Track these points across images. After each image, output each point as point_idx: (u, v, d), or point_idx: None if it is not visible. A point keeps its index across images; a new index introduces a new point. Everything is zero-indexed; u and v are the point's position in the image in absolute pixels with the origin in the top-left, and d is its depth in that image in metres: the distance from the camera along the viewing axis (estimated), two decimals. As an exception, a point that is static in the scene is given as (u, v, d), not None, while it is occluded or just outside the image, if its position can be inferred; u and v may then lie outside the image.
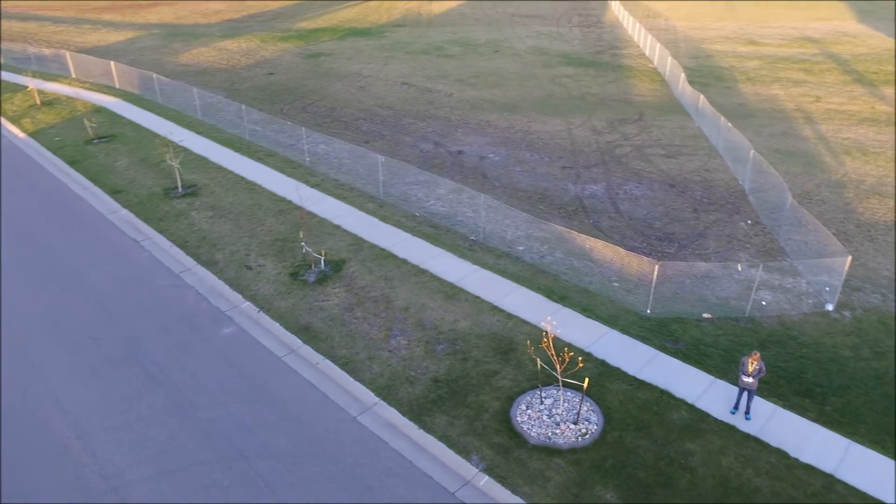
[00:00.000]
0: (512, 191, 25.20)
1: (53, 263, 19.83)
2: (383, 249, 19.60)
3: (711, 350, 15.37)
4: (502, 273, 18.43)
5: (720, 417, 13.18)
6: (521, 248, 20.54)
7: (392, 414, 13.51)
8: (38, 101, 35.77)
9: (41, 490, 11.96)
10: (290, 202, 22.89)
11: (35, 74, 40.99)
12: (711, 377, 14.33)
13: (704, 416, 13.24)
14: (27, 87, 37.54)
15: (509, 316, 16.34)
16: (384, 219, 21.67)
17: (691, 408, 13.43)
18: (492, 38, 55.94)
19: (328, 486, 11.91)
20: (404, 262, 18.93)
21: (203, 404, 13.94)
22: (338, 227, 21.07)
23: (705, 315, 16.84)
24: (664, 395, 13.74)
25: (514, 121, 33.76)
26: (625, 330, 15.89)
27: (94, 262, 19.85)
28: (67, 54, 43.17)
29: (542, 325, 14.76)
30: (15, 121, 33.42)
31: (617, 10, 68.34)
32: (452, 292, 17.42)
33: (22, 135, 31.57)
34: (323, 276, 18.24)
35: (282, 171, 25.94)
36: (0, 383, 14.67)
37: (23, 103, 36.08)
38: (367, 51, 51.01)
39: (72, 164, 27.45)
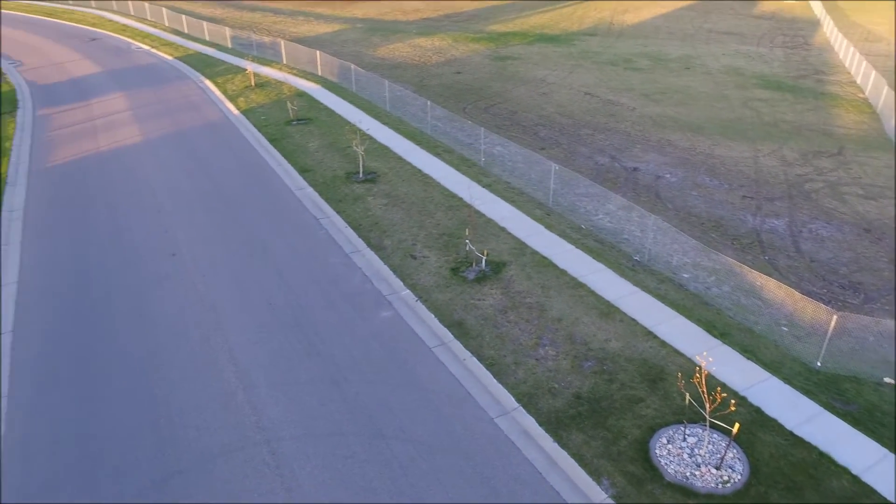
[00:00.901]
0: (685, 215, 24.03)
1: (245, 229, 21.63)
2: (544, 257, 19.44)
3: (889, 420, 13.70)
4: (662, 298, 17.62)
5: (890, 499, 11.69)
6: (686, 275, 19.54)
7: (529, 422, 13.38)
8: (253, 83, 39.22)
9: (205, 427, 13.12)
10: (460, 199, 23.33)
11: (254, 59, 44.97)
12: (885, 450, 12.73)
13: (870, 491, 11.81)
14: (246, 70, 41.29)
15: (663, 344, 15.59)
16: (549, 227, 21.48)
17: (855, 479, 12.04)
18: (684, 54, 53.59)
19: (457, 480, 12.03)
20: (564, 272, 18.65)
21: (353, 379, 14.60)
22: (503, 230, 21.18)
23: (887, 380, 15.04)
24: (824, 458, 12.44)
25: (697, 142, 32.13)
26: (788, 379, 14.59)
27: (278, 232, 21.43)
28: (282, 42, 46.91)
29: (697, 359, 13.94)
30: (232, 99, 36.89)
31: (829, 32, 62.82)
32: (608, 310, 16.92)
33: (236, 111, 34.77)
34: (482, 276, 18.43)
35: (457, 167, 26.50)
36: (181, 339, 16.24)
37: (240, 84, 39.74)
38: (554, 58, 50.77)
39: (272, 141, 29.80)
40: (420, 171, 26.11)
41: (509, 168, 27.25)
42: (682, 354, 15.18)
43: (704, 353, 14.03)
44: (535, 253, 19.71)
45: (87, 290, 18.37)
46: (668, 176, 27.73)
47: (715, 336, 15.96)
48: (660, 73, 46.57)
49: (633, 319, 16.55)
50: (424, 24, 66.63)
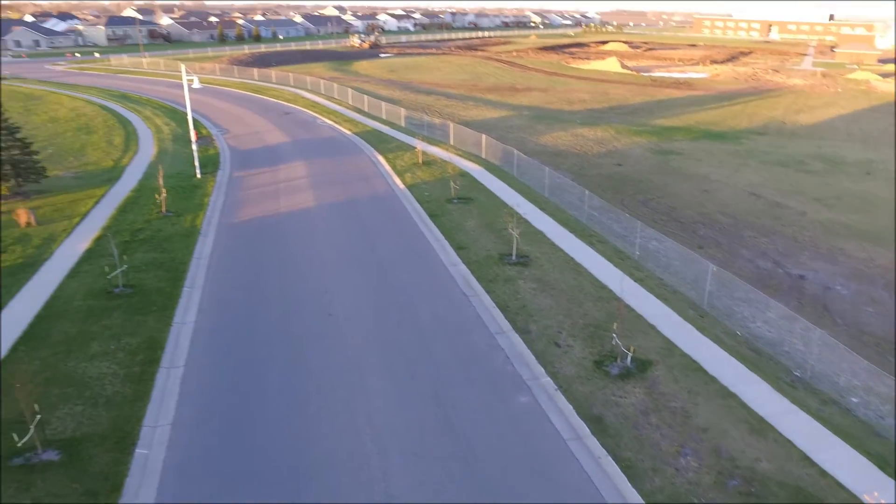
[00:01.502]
0: (856, 332, 21.94)
1: (398, 297, 22.42)
2: (694, 361, 18.42)
3: None
4: (825, 422, 15.98)
5: None
6: (854, 399, 17.68)
7: (665, 537, 12.45)
8: (420, 161, 41.36)
9: (336, 487, 13.40)
10: (610, 291, 22.85)
11: (423, 138, 47.53)
12: None
13: None
14: (415, 148, 43.69)
15: (823, 473, 14.04)
16: (702, 330, 20.40)
17: None
18: (864, 158, 50.02)
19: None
20: (713, 379, 17.53)
21: (485, 461, 14.39)
22: (652, 327, 20.40)
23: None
24: None
25: (876, 253, 29.52)
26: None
27: (429, 304, 22.00)
28: (451, 125, 49.30)
29: (865, 498, 12.41)
30: (400, 173, 39.05)
31: None
32: (760, 427, 15.59)
33: (402, 186, 36.70)
34: (626, 372, 17.75)
35: (609, 259, 26.09)
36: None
37: (409, 161, 42.05)
38: (720, 155, 49.27)
39: (432, 216, 31.01)
40: (572, 258, 25.97)
41: (664, 264, 26.41)
42: (845, 489, 13.57)
43: (876, 494, 12.47)
44: (684, 355, 18.74)
45: (251, 335, 19.78)
46: (839, 288, 25.59)
47: (888, 474, 14.15)
48: (835, 177, 43.69)
49: (789, 441, 15.11)
50: (589, 114, 67.44)
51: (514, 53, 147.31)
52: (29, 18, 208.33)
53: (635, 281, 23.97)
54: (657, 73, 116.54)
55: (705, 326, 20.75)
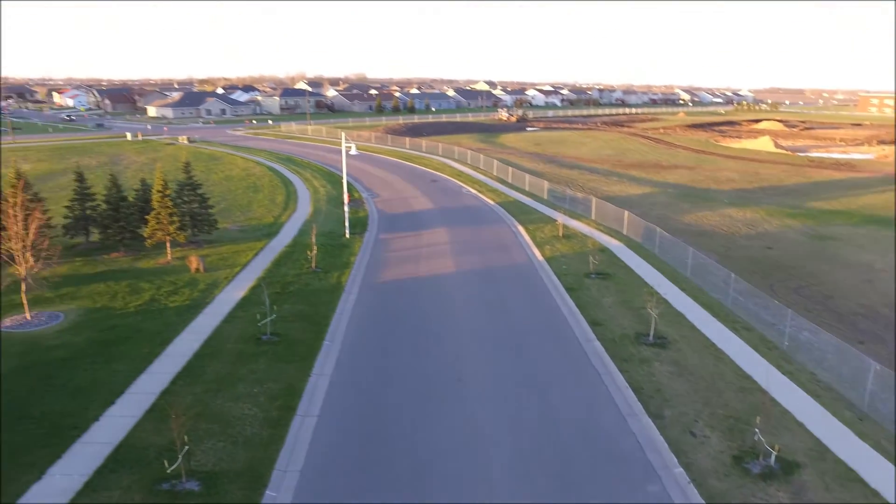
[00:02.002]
0: None
1: (528, 369, 22.18)
2: (850, 469, 16.60)
3: None
4: None
5: None
6: None
7: None
8: (561, 234, 41.29)
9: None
10: (754, 382, 21.29)
11: (564, 212, 47.55)
12: None
13: None
14: (556, 221, 43.75)
15: None
16: (861, 435, 18.39)
17: None
18: None
19: None
20: (876, 493, 15.67)
21: (611, 553, 13.63)
22: (800, 426, 18.69)
23: None
24: None
25: None
26: None
27: (558, 379, 21.56)
28: (593, 199, 49.01)
29: None
30: (539, 245, 39.14)
31: None
32: (930, 554, 13.67)
33: (540, 257, 36.71)
34: (769, 472, 16.30)
35: (755, 347, 24.41)
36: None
37: (549, 233, 42.12)
38: (885, 242, 45.16)
39: (569, 290, 30.64)
40: (713, 343, 24.57)
41: (817, 358, 24.28)
42: None
43: None
44: (838, 461, 16.95)
45: (383, 392, 20.32)
46: None
47: None
48: None
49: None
50: (737, 194, 64.52)
51: (661, 130, 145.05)
52: (220, 91, 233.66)
53: (783, 373, 22.21)
54: (815, 154, 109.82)
55: (865, 432, 18.69)
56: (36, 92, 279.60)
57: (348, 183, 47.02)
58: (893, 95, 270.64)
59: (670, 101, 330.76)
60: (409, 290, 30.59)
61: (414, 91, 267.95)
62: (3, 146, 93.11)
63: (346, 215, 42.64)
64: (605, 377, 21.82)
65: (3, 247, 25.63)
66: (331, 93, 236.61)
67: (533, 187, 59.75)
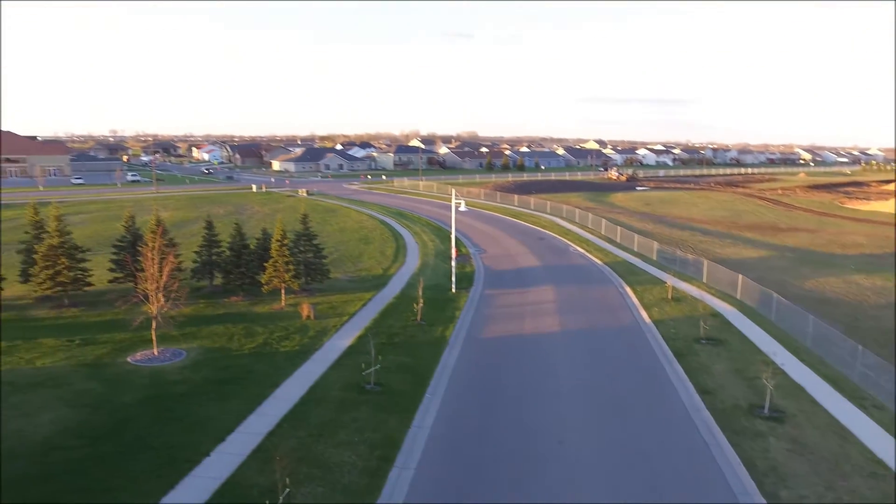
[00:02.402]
0: None
1: (630, 435, 21.20)
2: None
3: None
4: None
5: None
6: None
7: None
8: (670, 296, 39.81)
9: None
10: (887, 467, 19.29)
11: (674, 273, 45.91)
12: None
13: None
14: (665, 283, 42.29)
15: None
16: None
17: None
18: None
19: None
20: None
21: None
22: (941, 521, 16.69)
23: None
24: None
25: None
26: None
27: (664, 448, 20.44)
28: (704, 262, 47.06)
29: None
30: (647, 307, 37.86)
31: None
32: None
33: (648, 320, 35.46)
34: (903, 572, 14.57)
35: (887, 429, 22.20)
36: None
37: (657, 295, 40.71)
38: None
39: (677, 355, 29.30)
40: (837, 421, 22.58)
41: (960, 445, 21.73)
42: None
43: None
44: None
45: (482, 449, 19.97)
46: None
47: None
48: None
49: None
50: (865, 260, 60.00)
51: (780, 191, 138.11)
52: (338, 147, 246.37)
53: (921, 460, 19.99)
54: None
55: None
56: (179, 147, 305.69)
57: (456, 238, 47.75)
58: None
59: (789, 160, 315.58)
60: (513, 348, 30.30)
61: (524, 149, 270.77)
62: (147, 195, 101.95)
63: (453, 270, 43.15)
64: (714, 450, 20.48)
65: (139, 287, 27.80)
66: (443, 150, 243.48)
67: (642, 248, 58.24)
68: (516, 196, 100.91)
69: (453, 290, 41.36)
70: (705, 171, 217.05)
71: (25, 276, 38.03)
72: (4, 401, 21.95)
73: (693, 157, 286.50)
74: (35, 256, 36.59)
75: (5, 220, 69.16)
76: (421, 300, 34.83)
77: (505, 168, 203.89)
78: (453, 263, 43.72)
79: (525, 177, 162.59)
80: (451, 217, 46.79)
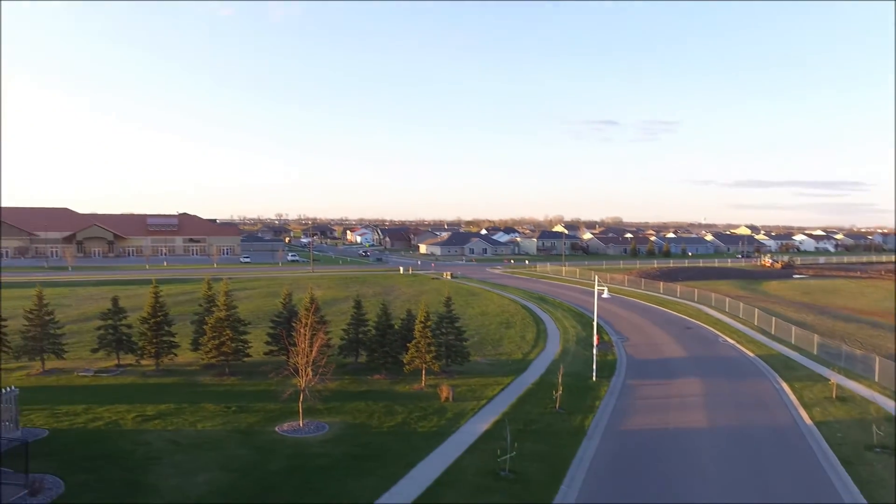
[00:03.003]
0: None
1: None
2: None
3: None
4: None
5: None
6: None
7: None
8: (834, 395, 35.82)
9: None
10: None
11: (839, 370, 41.45)
12: None
13: None
14: (828, 381, 38.22)
15: None
16: None
17: None
18: None
19: None
20: None
21: None
22: None
23: None
24: None
25: None
26: None
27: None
28: (876, 358, 42.11)
29: None
30: (807, 406, 34.27)
31: None
32: None
33: (808, 420, 32.01)
34: None
35: None
36: None
37: (819, 393, 36.80)
38: None
39: (845, 463, 26.02)
40: None
41: None
42: None
43: None
44: None
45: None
46: None
47: None
48: None
49: None
50: None
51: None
52: (483, 231, 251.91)
53: None
54: None
55: None
56: (334, 230, 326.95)
57: (598, 325, 46.40)
58: None
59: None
60: (655, 443, 28.39)
61: (670, 235, 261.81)
62: (304, 275, 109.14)
63: (595, 357, 41.79)
64: (894, 579, 17.67)
65: (291, 360, 29.45)
66: (586, 235, 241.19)
67: (800, 340, 53.28)
68: (661, 283, 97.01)
69: (594, 379, 39.89)
70: (873, 258, 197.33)
71: (196, 345, 41.69)
72: (168, 458, 23.82)
73: (859, 242, 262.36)
74: (205, 327, 40.12)
75: (185, 293, 76.73)
76: (560, 388, 33.90)
77: (650, 254, 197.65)
78: (595, 351, 42.39)
79: (671, 263, 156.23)
80: (593, 303, 45.72)
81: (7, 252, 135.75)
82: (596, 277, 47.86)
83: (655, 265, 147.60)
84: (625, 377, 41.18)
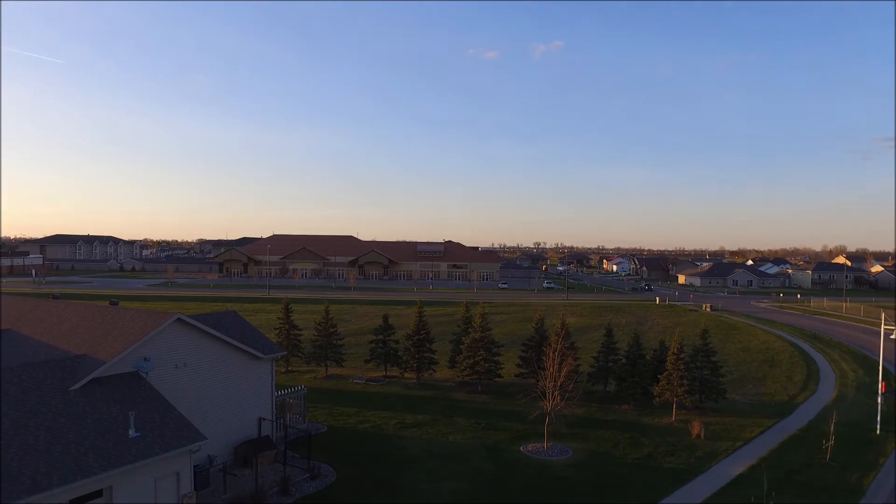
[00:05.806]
0: None
1: None
2: None
3: None
4: None
5: None
6: None
7: None
8: None
9: None
10: None
11: None
12: None
13: None
14: None
15: None
16: None
17: None
18: None
19: None
20: None
21: None
22: None
23: None
24: None
25: None
26: None
27: None
28: None
29: None
30: None
31: None
32: None
33: None
34: None
35: None
36: None
37: None
38: None
39: None
40: None
41: None
42: None
43: None
44: None
45: None
46: None
47: None
48: None
49: None
50: None
51: None
52: (749, 262, 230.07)
53: None
54: None
55: None
56: (591, 258, 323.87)
57: (886, 370, 39.25)
58: None
59: None
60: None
61: None
62: (558, 301, 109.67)
63: (879, 407, 35.40)
64: None
65: (539, 383, 29.67)
66: (875, 268, 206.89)
67: None
68: (977, 325, 79.01)
69: (878, 432, 33.76)
70: None
71: (452, 363, 44.15)
72: (422, 464, 25.49)
73: None
74: (461, 347, 42.31)
75: (446, 314, 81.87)
76: (833, 437, 29.35)
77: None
78: (880, 399, 35.91)
79: None
80: (879, 345, 38.90)
81: (304, 272, 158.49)
82: (883, 315, 40.68)
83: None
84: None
